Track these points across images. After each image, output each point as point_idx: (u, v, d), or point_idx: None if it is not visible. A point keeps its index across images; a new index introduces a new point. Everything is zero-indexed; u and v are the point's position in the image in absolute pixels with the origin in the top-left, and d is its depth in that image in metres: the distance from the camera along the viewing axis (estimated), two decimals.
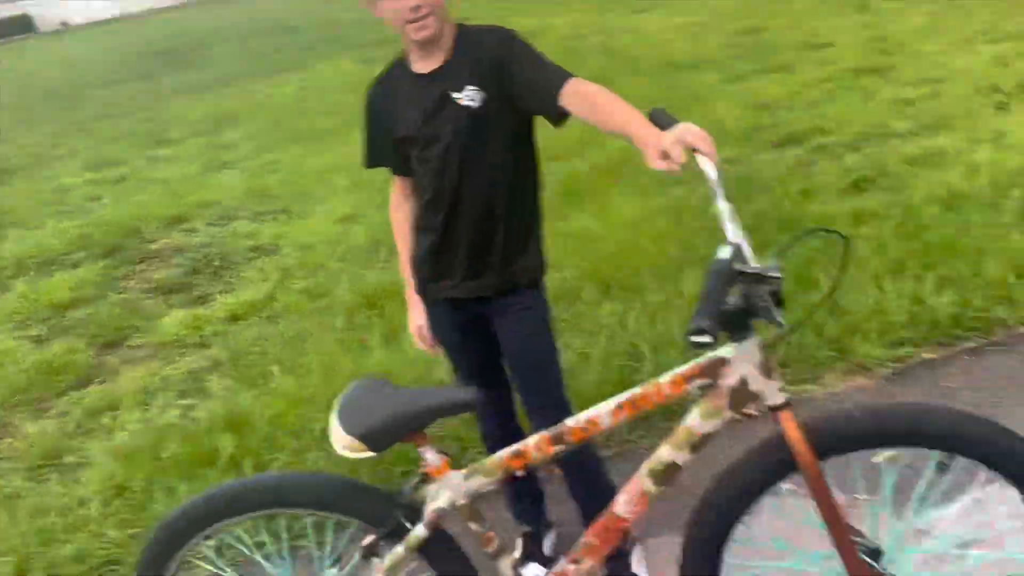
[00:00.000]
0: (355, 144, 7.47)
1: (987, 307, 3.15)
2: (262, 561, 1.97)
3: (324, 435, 3.01)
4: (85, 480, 3.09)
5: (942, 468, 1.65)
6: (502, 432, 2.25)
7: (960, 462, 1.64)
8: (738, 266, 1.44)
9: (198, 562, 1.97)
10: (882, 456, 2.14)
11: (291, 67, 13.56)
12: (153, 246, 5.74)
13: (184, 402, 3.57)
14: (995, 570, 1.83)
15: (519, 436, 1.82)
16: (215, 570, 2.02)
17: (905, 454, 1.70)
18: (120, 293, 4.97)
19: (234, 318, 4.32)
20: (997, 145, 4.57)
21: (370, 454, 1.66)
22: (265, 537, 2.07)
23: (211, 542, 1.86)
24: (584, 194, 5.02)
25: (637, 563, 2.33)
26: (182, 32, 25.33)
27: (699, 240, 4.01)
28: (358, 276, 4.54)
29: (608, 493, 2.19)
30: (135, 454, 3.13)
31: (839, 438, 1.63)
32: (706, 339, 1.30)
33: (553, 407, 2.08)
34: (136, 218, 6.31)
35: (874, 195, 4.27)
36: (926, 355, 3.05)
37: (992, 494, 1.77)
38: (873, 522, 1.76)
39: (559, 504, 2.57)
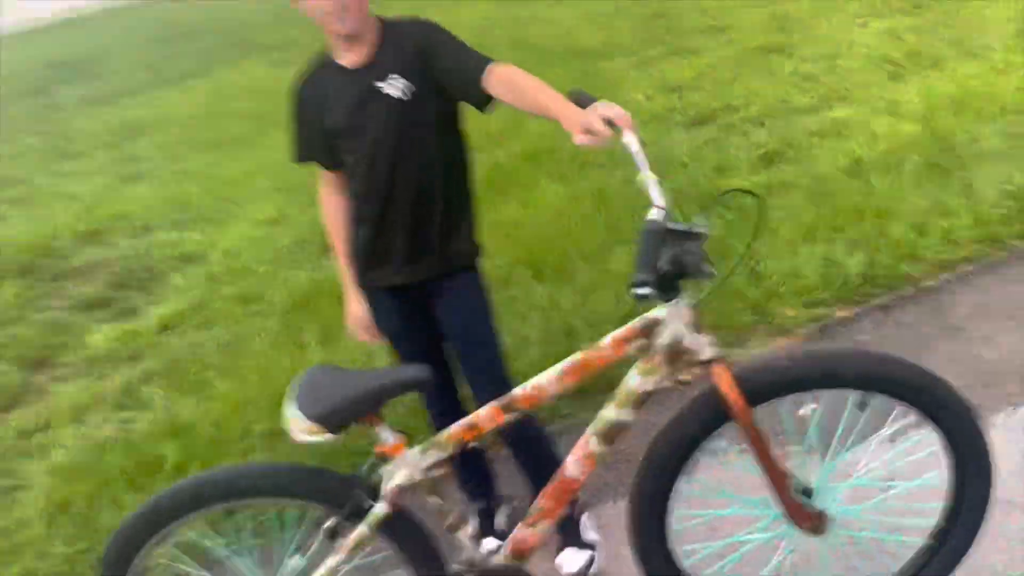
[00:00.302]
0: (272, 148, 7.38)
1: (894, 264, 3.36)
2: (228, 556, 2.00)
3: (269, 436, 3.06)
4: (25, 501, 3.03)
5: (861, 407, 1.79)
6: (449, 414, 2.31)
7: (877, 400, 1.79)
8: (668, 225, 1.54)
9: (167, 563, 1.98)
10: (807, 408, 2.30)
11: (197, 74, 13.25)
12: (70, 262, 5.58)
13: (122, 415, 3.53)
14: (915, 499, 2.00)
15: (464, 415, 1.89)
16: (185, 568, 2.03)
17: (827, 396, 1.83)
18: (41, 312, 4.83)
19: (165, 328, 4.27)
20: (893, 114, 4.83)
21: (328, 436, 1.71)
22: (230, 533, 2.10)
23: (173, 540, 1.86)
24: (509, 183, 5.10)
25: (588, 528, 2.43)
26: (78, 43, 24.42)
27: (624, 220, 4.14)
28: (288, 277, 4.54)
29: (555, 463, 2.28)
30: (76, 470, 3.09)
31: (767, 385, 1.76)
32: (647, 291, 1.41)
33: (496, 382, 2.16)
34: (47, 235, 6.11)
35: (783, 167, 4.48)
36: (841, 313, 3.24)
37: (909, 428, 1.91)
38: (803, 464, 1.90)
39: (508, 481, 2.66)
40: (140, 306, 4.68)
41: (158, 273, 5.09)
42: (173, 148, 8.45)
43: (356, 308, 2.27)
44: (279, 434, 3.06)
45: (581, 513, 2.44)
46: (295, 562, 1.92)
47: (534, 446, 2.31)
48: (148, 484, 2.91)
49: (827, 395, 1.82)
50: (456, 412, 2.32)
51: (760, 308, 3.26)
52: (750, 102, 5.68)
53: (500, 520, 2.54)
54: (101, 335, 4.33)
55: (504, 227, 4.42)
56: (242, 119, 9.00)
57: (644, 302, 1.49)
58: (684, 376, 1.74)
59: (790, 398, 1.80)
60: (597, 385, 2.99)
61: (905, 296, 3.26)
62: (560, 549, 2.37)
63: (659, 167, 4.89)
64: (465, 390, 2.33)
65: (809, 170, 4.29)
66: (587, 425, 2.67)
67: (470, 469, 2.48)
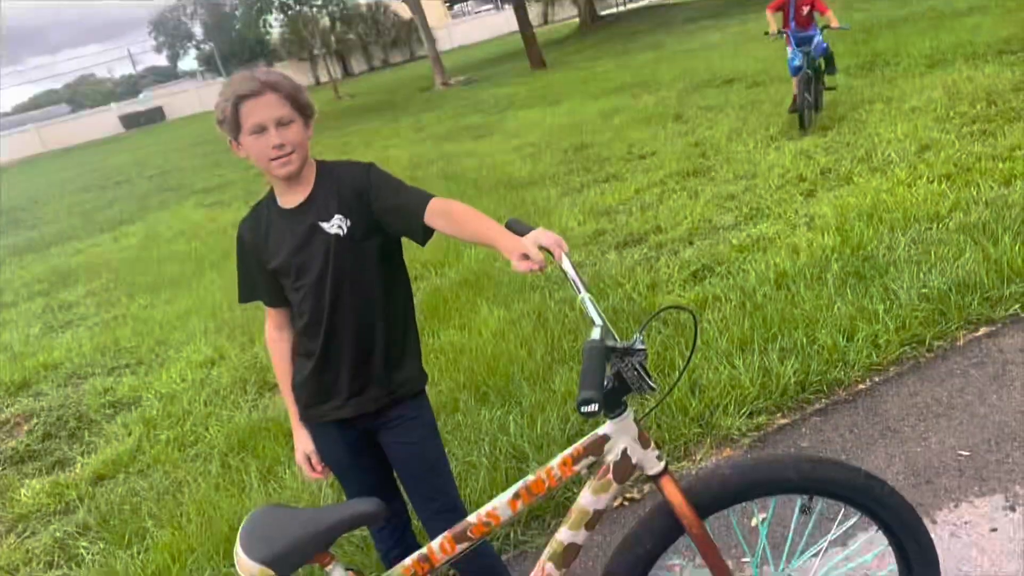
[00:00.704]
0: (208, 288, 7.36)
1: (826, 370, 3.47)
2: None
3: None
4: None
5: (806, 511, 1.82)
6: (400, 546, 2.27)
7: (821, 504, 1.83)
8: (609, 343, 1.60)
9: None
10: (757, 518, 2.33)
11: (131, 219, 13.29)
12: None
13: (53, 574, 3.34)
14: None
15: (416, 548, 1.86)
16: None
17: (777, 504, 1.86)
18: None
19: (99, 478, 4.10)
20: (811, 227, 5.10)
21: None
22: None
23: None
24: (449, 309, 5.17)
25: None
26: (7, 192, 24.32)
27: (564, 341, 4.22)
28: (227, 418, 4.45)
29: None
30: None
31: (715, 496, 1.78)
32: (593, 408, 1.44)
33: (448, 510, 2.14)
34: None
35: (713, 282, 4.64)
36: (781, 421, 3.31)
37: (856, 529, 1.94)
38: (755, 571, 1.91)
39: None
40: (72, 456, 4.50)
41: (90, 421, 4.93)
42: (106, 294, 8.35)
43: (303, 443, 2.24)
44: None
45: None
46: None
47: (486, 571, 2.26)
48: None
49: (777, 503, 1.85)
50: (407, 544, 2.29)
51: (703, 420, 3.31)
52: (677, 223, 5.93)
53: None
54: (30, 490, 4.13)
55: (446, 353, 4.45)
56: (177, 261, 9.00)
57: (590, 418, 1.53)
58: (632, 494, 1.75)
59: (739, 507, 1.83)
60: (548, 508, 2.99)
61: (839, 400, 3.36)
62: None
63: (597, 286, 5.08)
64: (416, 522, 2.29)
65: (738, 283, 4.46)
66: (539, 550, 2.65)
67: None
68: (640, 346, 1.62)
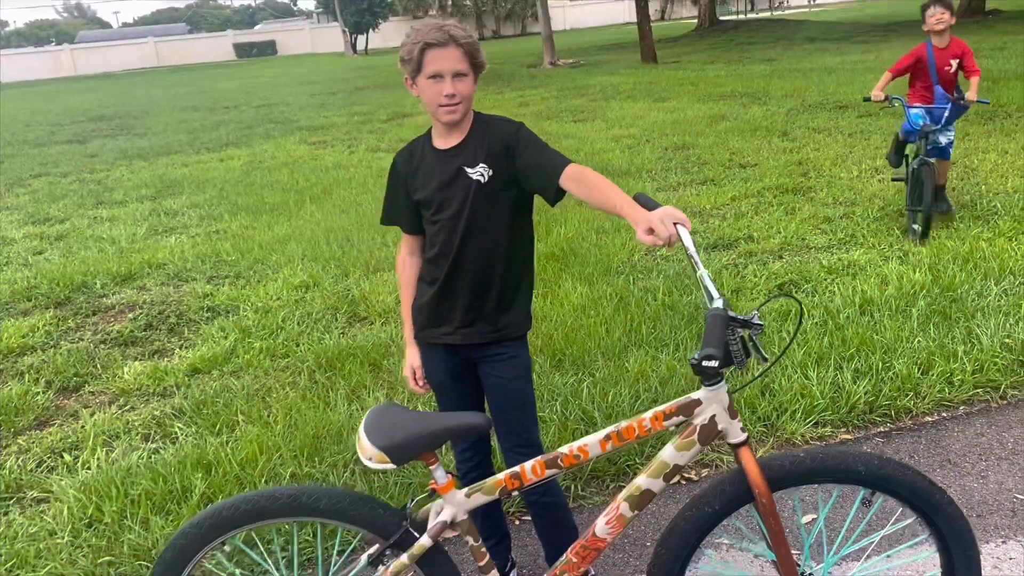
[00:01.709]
0: (307, 219, 7.73)
1: (896, 396, 3.57)
2: (271, 569, 2.14)
3: (295, 480, 3.20)
4: (52, 513, 3.15)
5: (866, 503, 1.97)
6: (478, 471, 2.49)
7: (881, 499, 1.98)
8: (731, 314, 1.77)
9: (213, 569, 2.11)
10: (808, 517, 2.48)
11: (235, 143, 13.81)
12: (105, 300, 5.80)
13: (149, 445, 3.67)
14: None
15: (491, 473, 2.06)
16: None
17: (835, 490, 2.02)
18: (74, 343, 5.02)
19: (195, 371, 4.44)
20: (903, 261, 5.14)
21: (391, 466, 1.89)
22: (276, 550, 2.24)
23: (227, 547, 2.01)
24: (535, 279, 5.36)
25: None
26: (118, 99, 25.37)
27: (643, 326, 4.39)
28: (317, 339, 4.74)
29: (571, 533, 2.46)
30: (104, 489, 3.21)
31: (787, 474, 1.94)
32: (715, 364, 1.63)
33: (529, 445, 2.35)
34: (84, 273, 6.36)
35: (798, 297, 4.73)
36: (844, 436, 3.43)
37: (907, 531, 2.08)
38: (808, 555, 2.07)
39: (521, 548, 2.82)
40: (171, 348, 4.86)
41: (189, 320, 5.29)
42: (209, 208, 8.79)
43: (412, 358, 2.47)
44: (305, 479, 3.22)
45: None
46: None
47: (556, 512, 2.47)
48: (175, 511, 3.05)
49: (829, 507, 2.01)
50: (484, 472, 2.50)
51: (769, 421, 3.45)
52: (769, 236, 6.01)
53: None
54: (132, 370, 4.50)
55: None
56: (279, 190, 9.38)
57: (710, 372, 1.72)
58: (690, 474, 1.92)
59: (791, 504, 1.99)
60: (608, 471, 3.19)
61: (905, 428, 3.46)
62: None
63: (682, 283, 5.23)
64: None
65: (822, 302, 4.55)
66: (596, 507, 2.86)
67: (489, 530, 2.63)
68: (758, 322, 1.79)
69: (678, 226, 1.90)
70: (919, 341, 3.97)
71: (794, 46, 23.09)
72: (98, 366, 4.62)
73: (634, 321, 4.49)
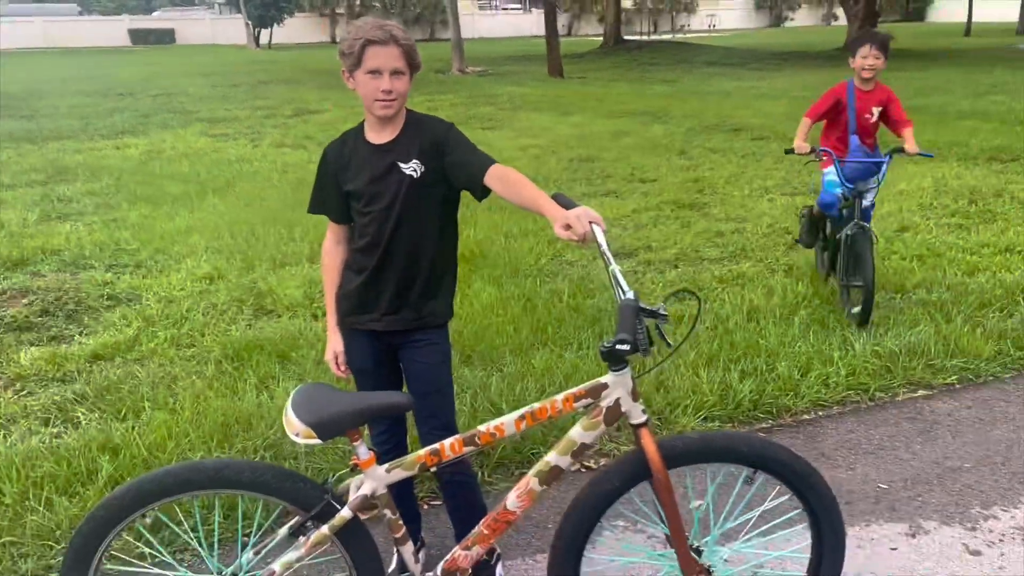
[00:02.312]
0: (210, 211, 7.61)
1: (778, 396, 3.88)
2: (193, 543, 2.19)
3: None
4: None
5: (749, 481, 2.20)
6: (394, 453, 2.61)
7: (761, 478, 2.20)
8: (641, 304, 1.95)
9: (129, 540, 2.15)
10: (696, 503, 2.70)
11: (131, 131, 13.38)
12: None
13: (50, 429, 3.61)
14: (782, 567, 2.39)
15: (406, 453, 2.19)
16: (152, 552, 2.21)
17: (721, 471, 2.24)
18: None
19: (97, 357, 4.37)
20: (788, 274, 5.52)
21: (317, 442, 1.99)
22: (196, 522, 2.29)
23: (147, 519, 2.06)
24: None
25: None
26: (2, 79, 24.08)
27: (549, 326, 4.58)
28: (224, 331, 4.74)
29: (481, 511, 2.61)
30: (3, 471, 3.16)
31: (681, 453, 2.15)
32: (627, 347, 1.80)
33: (445, 428, 2.49)
34: None
35: (691, 304, 5.03)
36: (730, 430, 3.70)
37: (782, 504, 2.32)
38: (696, 527, 2.28)
39: (430, 530, 2.94)
40: (69, 335, 4.76)
41: (88, 308, 5.18)
42: (105, 196, 8.53)
43: (335, 344, 2.57)
44: None
45: (497, 563, 2.72)
46: (248, 556, 2.14)
47: (467, 492, 2.61)
48: (81, 492, 3.04)
49: (715, 492, 2.22)
50: (400, 451, 2.62)
51: (663, 415, 3.69)
52: (666, 247, 6.33)
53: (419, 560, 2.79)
54: (29, 355, 4.39)
55: None
56: (179, 180, 9.19)
57: (616, 358, 1.90)
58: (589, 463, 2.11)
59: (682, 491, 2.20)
60: (514, 459, 3.35)
61: (785, 424, 3.77)
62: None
63: (583, 287, 5.46)
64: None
65: (714, 309, 4.86)
66: (500, 492, 3.01)
67: (401, 510, 2.74)
68: (664, 312, 1.98)
69: (593, 224, 2.08)
70: (800, 346, 4.30)
71: (694, 69, 24.03)
72: None
73: (540, 321, 4.68)
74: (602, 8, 40.05)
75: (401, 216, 2.37)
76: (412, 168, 2.35)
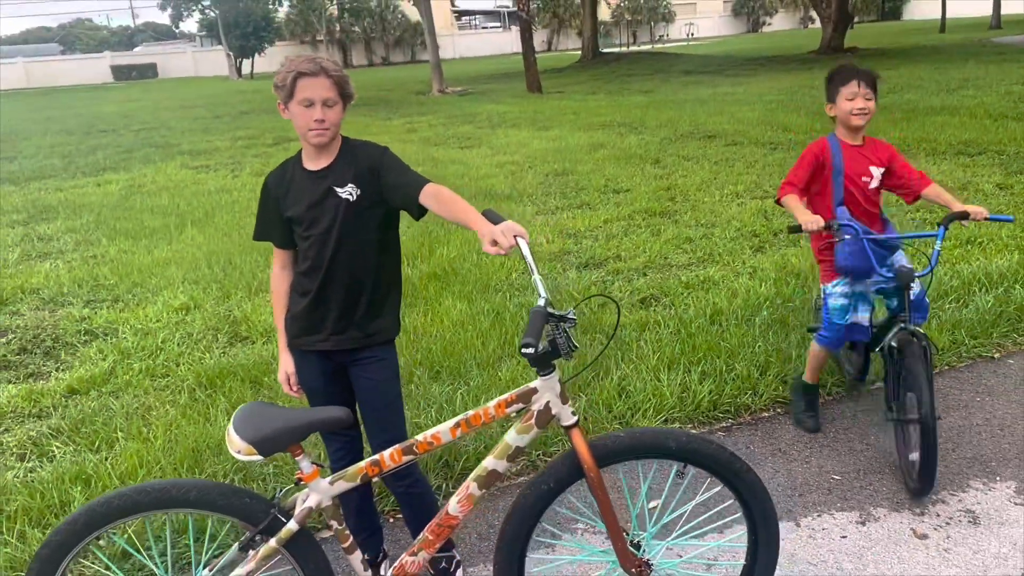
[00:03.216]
0: (188, 243, 7.71)
1: (737, 395, 3.97)
2: (149, 564, 2.27)
3: None
4: None
5: (680, 475, 2.28)
6: (350, 462, 2.70)
7: (691, 471, 2.29)
8: (549, 310, 2.05)
9: (89, 564, 2.22)
10: (654, 503, 2.79)
11: (112, 167, 13.49)
12: None
13: (25, 464, 3.69)
14: (720, 556, 2.47)
15: None
16: (109, 574, 2.29)
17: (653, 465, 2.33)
18: None
19: (73, 392, 4.45)
20: (753, 277, 5.63)
21: (258, 458, 2.07)
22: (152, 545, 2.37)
23: (102, 543, 2.14)
24: (416, 297, 5.60)
25: None
26: None
27: (516, 338, 4.67)
28: (198, 359, 4.82)
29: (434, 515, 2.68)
30: None
31: (611, 451, 2.23)
32: (532, 351, 1.89)
33: (396, 441, 2.56)
34: None
35: (657, 310, 5.14)
36: (691, 430, 3.79)
37: (716, 497, 2.41)
38: (634, 522, 2.37)
39: (394, 542, 3.02)
40: (47, 371, 4.84)
41: (66, 344, 5.26)
42: (85, 233, 8.62)
43: (286, 364, 2.66)
44: None
45: (457, 570, 2.80)
46: (203, 574, 2.22)
47: (421, 502, 2.69)
48: (53, 523, 3.11)
49: (653, 470, 2.31)
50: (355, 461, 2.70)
51: (625, 419, 3.78)
52: (636, 255, 6.44)
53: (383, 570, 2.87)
54: (6, 392, 4.47)
55: (408, 334, 4.88)
56: (159, 214, 9.29)
57: (530, 358, 1.99)
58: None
59: (626, 465, 2.29)
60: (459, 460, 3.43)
61: (744, 422, 3.86)
62: None
63: (555, 298, 5.58)
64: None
65: (678, 313, 4.96)
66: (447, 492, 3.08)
67: (361, 524, 2.82)
68: (572, 316, 2.07)
69: (518, 238, 2.18)
70: (759, 346, 4.40)
71: (671, 78, 24.24)
72: None
73: (508, 333, 4.77)
74: (580, 22, 40.38)
75: (340, 238, 2.47)
76: (348, 192, 2.45)
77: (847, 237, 3.26)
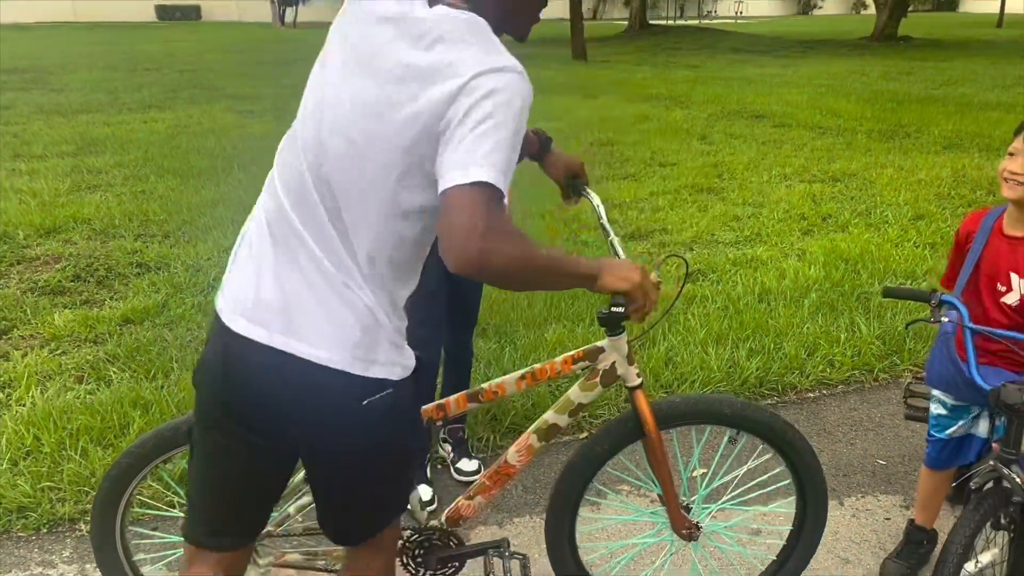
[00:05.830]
0: (235, 186, 7.73)
1: (784, 374, 3.98)
2: None
3: None
4: None
5: (732, 441, 2.32)
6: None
7: (744, 438, 2.32)
8: None
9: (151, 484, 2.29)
10: (697, 472, 2.83)
11: (157, 105, 13.58)
12: (28, 252, 5.78)
13: (84, 387, 3.79)
14: (767, 521, 2.51)
15: None
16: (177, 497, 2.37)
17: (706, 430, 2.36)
18: (0, 289, 5.04)
19: (127, 320, 4.54)
20: (801, 259, 5.60)
21: None
22: None
23: (169, 465, 2.22)
24: None
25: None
26: (34, 53, 24.41)
27: (563, 301, 4.70)
28: None
29: None
30: (42, 422, 3.33)
31: (670, 414, 2.26)
32: (622, 310, 1.91)
33: None
34: (5, 223, 6.31)
35: (704, 285, 5.14)
36: None
37: (766, 463, 2.45)
38: (684, 486, 2.41)
39: (443, 487, 3.09)
40: (101, 299, 4.94)
41: (118, 274, 5.35)
42: (134, 168, 8.71)
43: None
44: None
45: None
46: None
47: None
48: (114, 443, 3.21)
49: (707, 435, 2.34)
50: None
51: (671, 388, 3.81)
52: (682, 229, 6.42)
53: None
54: (62, 317, 4.57)
55: None
56: (206, 155, 9.36)
57: (611, 323, 2.02)
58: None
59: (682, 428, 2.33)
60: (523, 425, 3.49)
61: (790, 401, 3.87)
62: (456, 460, 3.22)
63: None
64: None
65: (725, 290, 4.96)
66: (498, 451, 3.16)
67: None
68: (657, 279, 2.09)
69: (594, 197, 2.20)
70: (808, 327, 4.40)
71: (718, 55, 23.90)
72: (27, 311, 4.67)
73: (554, 297, 4.80)
74: None
75: None
76: None
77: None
